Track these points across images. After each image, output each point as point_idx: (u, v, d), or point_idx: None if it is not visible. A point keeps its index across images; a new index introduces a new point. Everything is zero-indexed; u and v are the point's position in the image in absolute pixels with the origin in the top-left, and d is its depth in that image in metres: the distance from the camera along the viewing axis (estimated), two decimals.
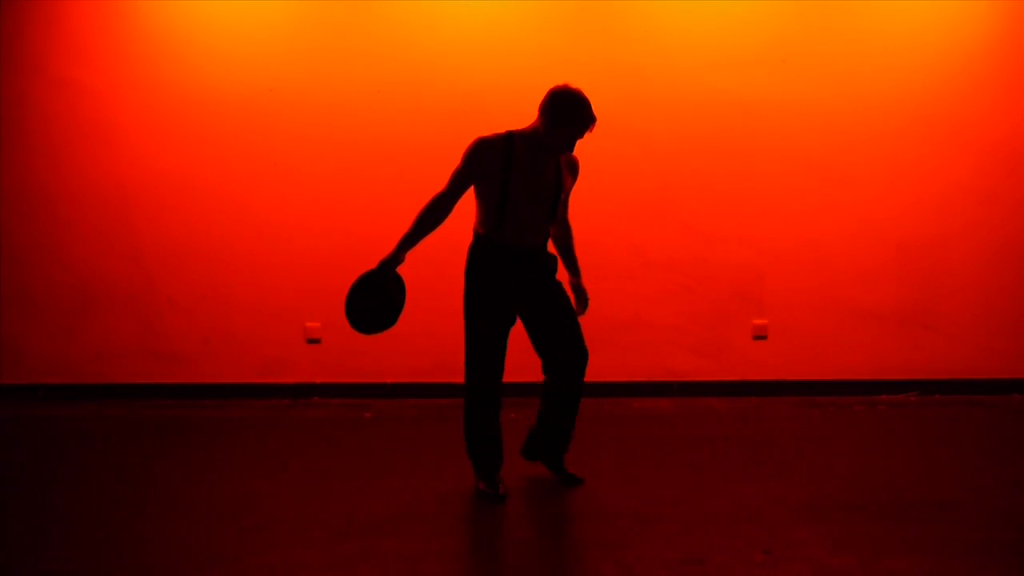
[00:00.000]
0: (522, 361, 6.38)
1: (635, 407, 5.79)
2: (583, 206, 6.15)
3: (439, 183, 6.20)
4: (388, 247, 6.16)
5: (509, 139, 3.85)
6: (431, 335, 6.24)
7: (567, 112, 3.77)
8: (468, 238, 3.76)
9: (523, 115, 6.25)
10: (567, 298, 3.99)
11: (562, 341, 3.96)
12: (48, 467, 4.60)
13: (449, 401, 6.14)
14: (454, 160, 6.19)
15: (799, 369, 6.23)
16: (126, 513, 3.84)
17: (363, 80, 6.18)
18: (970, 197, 6.25)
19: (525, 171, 3.80)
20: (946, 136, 6.24)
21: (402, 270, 3.58)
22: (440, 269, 6.24)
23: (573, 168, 4.00)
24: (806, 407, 5.90)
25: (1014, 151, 6.24)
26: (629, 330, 6.25)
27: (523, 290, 3.89)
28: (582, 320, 4.03)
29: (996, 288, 6.27)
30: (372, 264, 6.20)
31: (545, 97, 3.84)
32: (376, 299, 3.90)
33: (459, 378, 6.29)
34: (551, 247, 4.05)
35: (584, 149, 6.16)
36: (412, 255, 6.23)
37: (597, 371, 6.21)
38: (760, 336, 6.23)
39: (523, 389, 6.26)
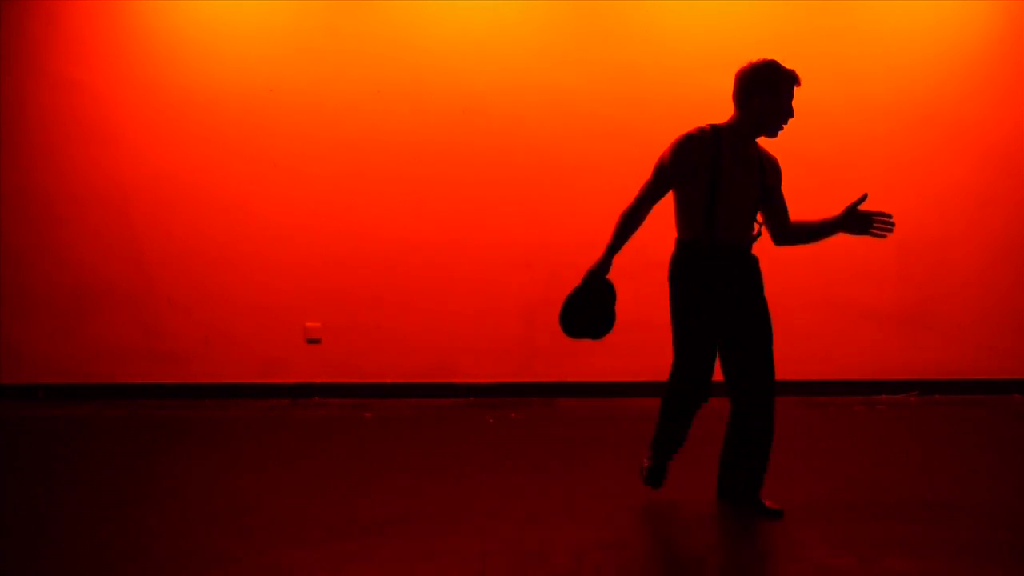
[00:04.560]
0: (522, 361, 6.40)
1: (635, 407, 5.78)
2: (583, 206, 6.16)
3: (439, 182, 6.26)
4: (388, 247, 6.22)
5: (715, 132, 3.69)
6: (431, 335, 6.25)
7: (754, 80, 3.62)
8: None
9: (523, 115, 6.29)
10: (767, 318, 3.73)
11: (748, 367, 3.70)
12: (48, 467, 4.59)
13: (449, 401, 6.14)
14: (454, 160, 6.22)
15: (799, 369, 6.22)
16: (126, 513, 3.84)
17: (363, 80, 6.18)
18: (970, 197, 6.25)
19: (732, 165, 3.65)
20: (946, 137, 6.24)
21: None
22: (440, 269, 6.25)
23: (773, 165, 3.79)
24: (806, 407, 5.90)
25: (1014, 152, 6.24)
26: (629, 330, 6.20)
27: (730, 293, 3.68)
28: None
29: (996, 288, 6.26)
30: (371, 263, 6.27)
31: (735, 82, 3.69)
32: (593, 308, 3.75)
33: (459, 378, 6.35)
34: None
35: (584, 149, 6.18)
36: (411, 257, 6.26)
37: (597, 371, 6.23)
38: None
39: (524, 389, 6.27)
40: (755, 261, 3.78)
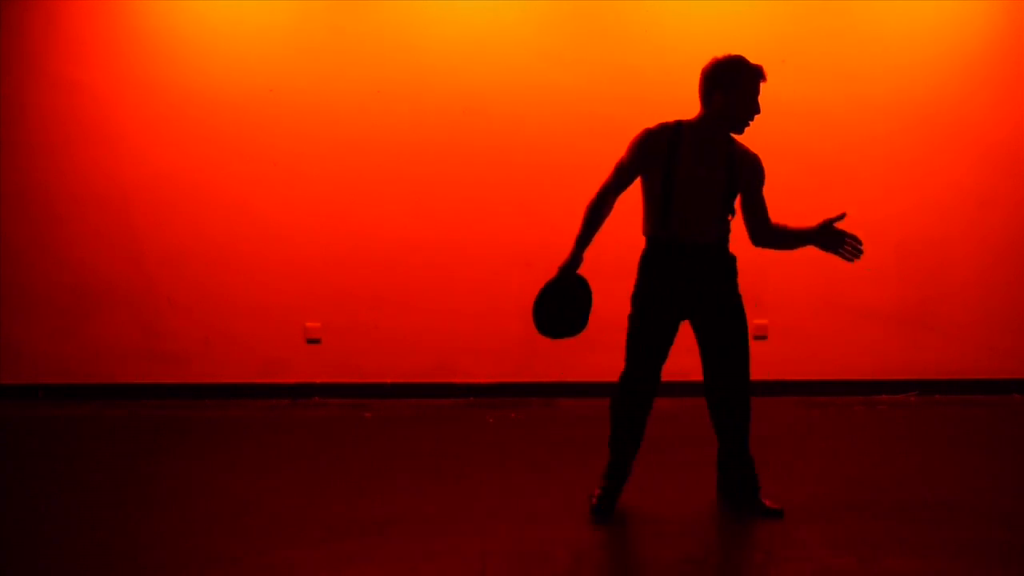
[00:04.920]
0: (522, 361, 6.40)
1: None
2: (583, 206, 6.15)
3: (439, 182, 6.26)
4: (388, 247, 6.22)
5: (677, 127, 3.70)
6: (431, 335, 6.24)
7: (715, 76, 3.63)
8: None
9: (523, 115, 6.28)
10: (740, 316, 3.74)
11: (720, 365, 3.76)
12: (48, 467, 4.59)
13: (449, 401, 6.14)
14: (454, 160, 6.22)
15: (799, 369, 6.22)
16: (126, 513, 3.84)
17: (363, 80, 6.17)
18: (970, 198, 6.25)
19: (690, 161, 3.64)
20: (946, 137, 6.24)
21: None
22: (440, 269, 6.25)
23: (750, 164, 3.74)
24: (806, 407, 5.90)
25: (1014, 152, 6.24)
26: None
27: (692, 291, 3.70)
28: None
29: (996, 288, 6.26)
30: (371, 263, 6.27)
31: (699, 78, 3.70)
32: (565, 306, 3.75)
33: (459, 378, 6.35)
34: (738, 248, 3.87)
35: (584, 149, 6.17)
36: (411, 257, 6.26)
37: (597, 371, 6.22)
38: (760, 336, 6.22)
39: (524, 389, 6.27)
40: (727, 259, 3.76)
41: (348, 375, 6.26)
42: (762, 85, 3.66)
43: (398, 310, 6.24)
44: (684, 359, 6.32)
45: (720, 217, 3.72)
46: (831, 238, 3.74)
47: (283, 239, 6.21)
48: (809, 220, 6.65)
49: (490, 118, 6.21)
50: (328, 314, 6.24)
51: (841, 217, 3.70)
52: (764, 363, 6.25)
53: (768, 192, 6.79)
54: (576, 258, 3.74)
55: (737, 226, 3.84)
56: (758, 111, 3.67)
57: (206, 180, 6.18)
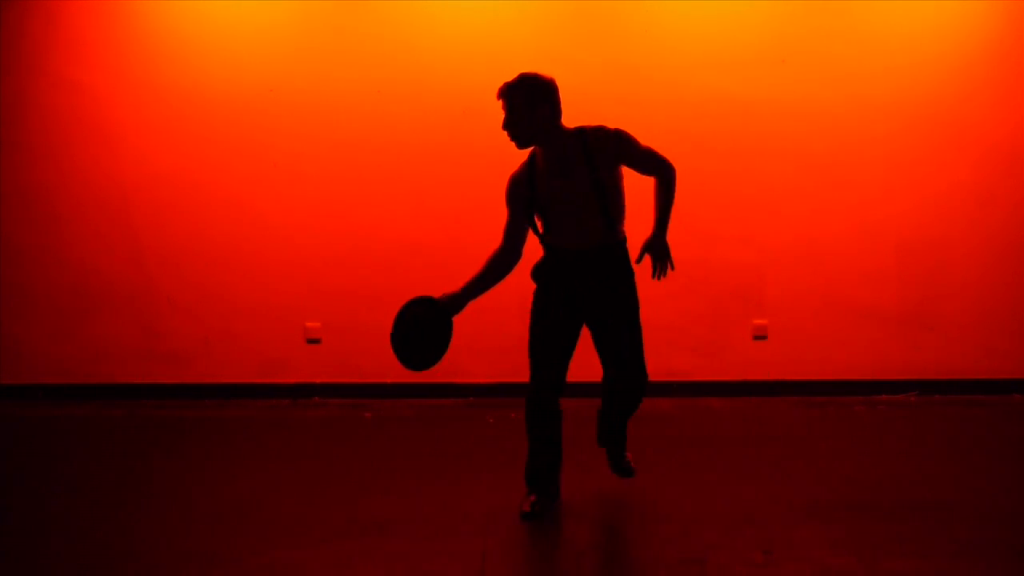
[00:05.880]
0: (522, 361, 6.38)
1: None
2: None
3: (439, 183, 6.25)
4: (388, 247, 6.22)
5: (531, 159, 3.79)
6: None
7: (537, 92, 3.81)
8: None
9: None
10: (633, 312, 3.79)
11: (616, 359, 3.83)
12: (48, 467, 4.60)
13: (449, 401, 6.14)
14: (454, 160, 6.22)
15: (799, 369, 6.22)
16: (126, 513, 3.84)
17: (363, 80, 6.17)
18: (970, 198, 6.24)
19: (549, 179, 3.70)
20: (946, 137, 6.23)
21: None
22: (440, 269, 6.24)
23: (604, 139, 3.72)
24: (806, 407, 5.90)
25: (1014, 152, 6.23)
26: None
27: (581, 295, 3.75)
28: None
29: (996, 288, 6.26)
30: (371, 263, 6.26)
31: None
32: (425, 338, 3.85)
33: (459, 378, 6.35)
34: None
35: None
36: (411, 257, 6.25)
37: (597, 371, 6.21)
38: (760, 336, 6.23)
39: (524, 389, 6.25)
40: (617, 259, 3.75)
41: (348, 375, 6.26)
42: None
43: (398, 310, 6.22)
44: (682, 359, 6.35)
45: (602, 216, 3.69)
46: (657, 252, 3.78)
47: (283, 239, 6.21)
48: (809, 220, 6.66)
49: (490, 118, 6.18)
50: (328, 314, 6.23)
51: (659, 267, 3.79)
52: (764, 363, 6.27)
53: (768, 192, 6.81)
54: (461, 304, 3.84)
55: (646, 226, 3.83)
56: (511, 126, 3.79)
57: (206, 180, 6.18)
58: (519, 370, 6.34)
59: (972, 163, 6.24)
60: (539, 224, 3.82)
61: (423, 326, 3.82)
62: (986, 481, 4.22)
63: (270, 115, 6.17)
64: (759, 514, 3.73)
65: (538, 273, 3.82)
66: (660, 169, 3.82)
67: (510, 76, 6.82)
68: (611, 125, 3.81)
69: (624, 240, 3.78)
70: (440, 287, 6.26)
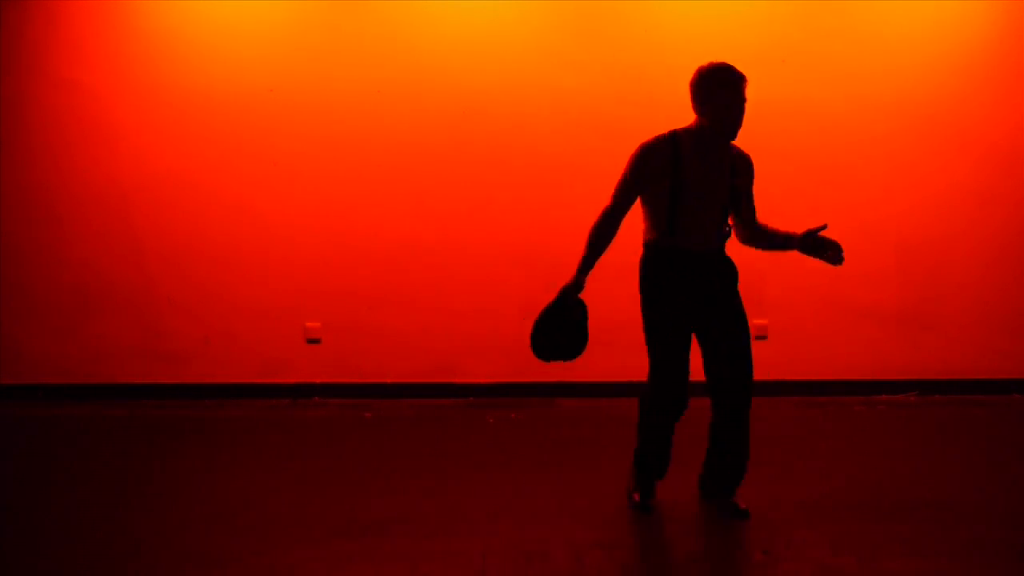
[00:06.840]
0: (522, 361, 6.38)
1: (635, 407, 5.77)
2: (584, 206, 6.14)
3: (439, 183, 6.25)
4: (388, 247, 6.22)
5: (673, 138, 3.71)
6: (431, 335, 6.24)
7: (704, 86, 3.69)
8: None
9: (523, 115, 6.28)
10: (743, 318, 3.75)
11: (727, 365, 3.73)
12: (48, 467, 4.60)
13: (449, 401, 6.14)
14: (454, 160, 6.22)
15: (799, 369, 6.22)
16: (126, 513, 3.84)
17: (363, 80, 6.17)
18: (970, 198, 6.25)
19: (695, 169, 3.65)
20: (946, 137, 6.24)
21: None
22: (440, 269, 6.25)
23: (745, 165, 3.77)
24: (806, 407, 5.90)
25: (1014, 152, 6.24)
26: (629, 330, 6.17)
27: (698, 297, 3.71)
28: None
29: (996, 288, 6.26)
30: (371, 263, 6.26)
31: (689, 88, 3.75)
32: (560, 331, 3.80)
33: (459, 378, 6.35)
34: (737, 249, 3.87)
35: (585, 149, 6.17)
36: (411, 257, 6.26)
37: (597, 371, 6.21)
38: (760, 336, 6.21)
39: (524, 389, 6.27)
40: (728, 264, 3.78)
41: (348, 375, 6.26)
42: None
43: (398, 310, 6.24)
44: (693, 359, 6.32)
45: (722, 223, 3.75)
46: (812, 247, 3.80)
47: (283, 239, 6.21)
48: (809, 220, 6.65)
49: (490, 118, 6.21)
50: (328, 314, 6.23)
51: (823, 227, 3.77)
52: (764, 363, 6.21)
53: (768, 192, 6.78)
54: (579, 282, 3.74)
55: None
56: (743, 112, 3.71)
57: (206, 180, 6.18)
58: (519, 370, 6.37)
59: (972, 163, 6.24)
60: (652, 220, 3.72)
61: (556, 322, 3.81)
62: (986, 481, 4.22)
63: (270, 115, 6.17)
64: (759, 514, 3.72)
65: (654, 273, 3.72)
66: (753, 212, 3.89)
67: (511, 76, 6.87)
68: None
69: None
70: (440, 287, 6.33)
